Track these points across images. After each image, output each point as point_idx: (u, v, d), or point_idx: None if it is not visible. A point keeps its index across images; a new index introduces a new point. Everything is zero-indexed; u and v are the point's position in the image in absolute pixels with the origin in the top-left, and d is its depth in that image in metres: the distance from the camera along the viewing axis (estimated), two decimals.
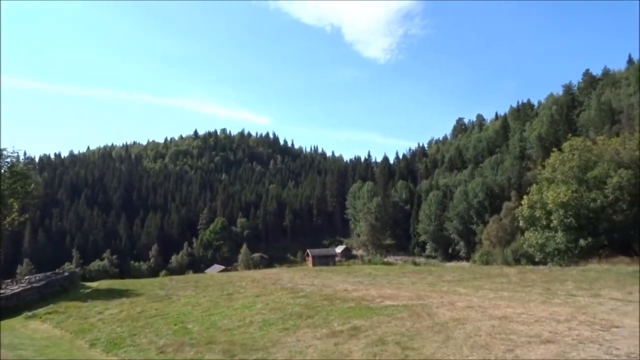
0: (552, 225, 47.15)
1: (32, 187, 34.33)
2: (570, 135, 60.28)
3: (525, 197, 51.97)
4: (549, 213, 47.69)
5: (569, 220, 45.37)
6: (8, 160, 33.45)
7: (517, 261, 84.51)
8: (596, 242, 45.52)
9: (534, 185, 54.01)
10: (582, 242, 45.37)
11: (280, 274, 27.73)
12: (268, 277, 25.20)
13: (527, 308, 13.00)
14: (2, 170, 33.11)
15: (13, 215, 34.38)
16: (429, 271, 27.08)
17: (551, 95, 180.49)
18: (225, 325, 13.72)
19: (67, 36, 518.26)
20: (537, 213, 48.45)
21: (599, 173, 46.96)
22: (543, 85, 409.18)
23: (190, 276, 35.63)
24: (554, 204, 46.27)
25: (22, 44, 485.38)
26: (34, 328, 17.24)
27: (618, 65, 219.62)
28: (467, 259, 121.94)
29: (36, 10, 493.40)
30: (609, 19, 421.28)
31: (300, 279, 24.13)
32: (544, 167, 53.15)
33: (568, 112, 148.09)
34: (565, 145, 50.72)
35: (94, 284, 29.72)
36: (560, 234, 46.37)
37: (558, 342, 9.31)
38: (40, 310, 20.39)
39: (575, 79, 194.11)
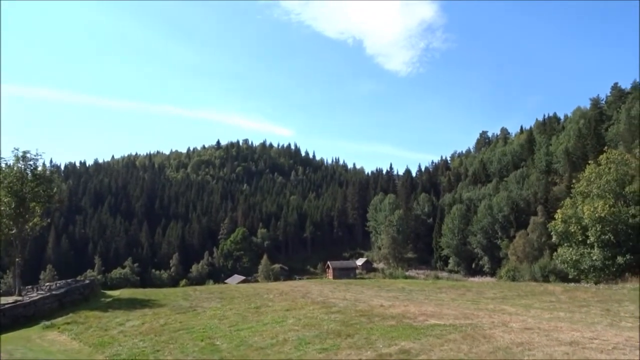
0: (588, 241, 45.22)
1: (54, 191, 33.63)
2: (607, 148, 58.23)
3: (558, 211, 50.09)
4: (585, 228, 45.80)
5: (606, 237, 43.45)
6: (31, 162, 32.84)
7: (545, 278, 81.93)
8: (635, 259, 43.46)
9: (568, 199, 52.17)
10: (620, 259, 43.42)
11: (308, 286, 26.47)
12: (296, 290, 23.94)
13: (595, 332, 11.56)
14: (25, 173, 32.46)
15: (35, 220, 33.70)
16: (467, 287, 25.54)
17: (578, 108, 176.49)
18: (257, 343, 12.50)
19: (95, 48, 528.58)
20: (572, 228, 46.58)
21: (638, 188, 44.98)
22: (568, 99, 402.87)
23: (215, 287, 34.47)
24: (590, 219, 44.40)
25: (51, 55, 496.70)
26: (51, 339, 16.16)
27: None
28: (492, 274, 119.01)
29: (66, 24, 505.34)
30: (636, 32, 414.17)
31: (330, 292, 22.83)
32: (578, 180, 51.20)
33: (596, 126, 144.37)
34: (602, 157, 48.81)
35: (116, 293, 28.77)
36: (597, 250, 44.44)
37: None
38: (59, 320, 19.39)
39: (603, 92, 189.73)
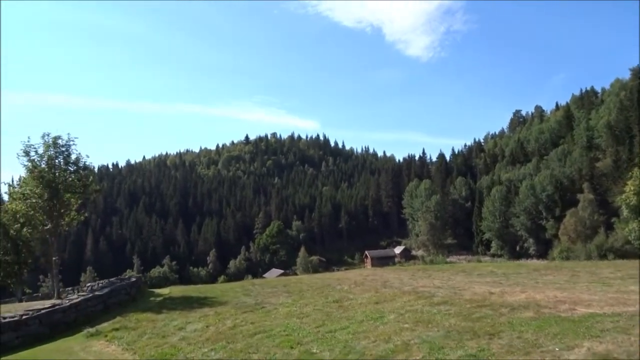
0: None
1: (90, 180, 30.66)
2: None
3: (629, 182, 45.73)
4: None
5: None
6: (64, 149, 29.49)
7: (603, 256, 77.09)
8: None
9: (637, 170, 47.68)
10: None
11: (382, 274, 23.38)
12: (370, 279, 20.90)
13: None
14: (57, 161, 29.20)
15: (72, 214, 30.74)
16: (568, 267, 22.05)
17: (618, 80, 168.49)
18: (369, 349, 9.35)
19: (120, 54, 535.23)
20: None
21: None
22: (603, 72, 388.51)
23: (276, 280, 31.34)
24: None
25: (81, 64, 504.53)
26: (98, 351, 13.32)
27: None
28: (538, 256, 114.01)
29: (94, 32, 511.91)
30: None
31: (411, 280, 19.72)
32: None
33: (639, 97, 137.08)
34: None
35: (165, 291, 26.12)
36: None
37: None
38: (105, 325, 16.63)
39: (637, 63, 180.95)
